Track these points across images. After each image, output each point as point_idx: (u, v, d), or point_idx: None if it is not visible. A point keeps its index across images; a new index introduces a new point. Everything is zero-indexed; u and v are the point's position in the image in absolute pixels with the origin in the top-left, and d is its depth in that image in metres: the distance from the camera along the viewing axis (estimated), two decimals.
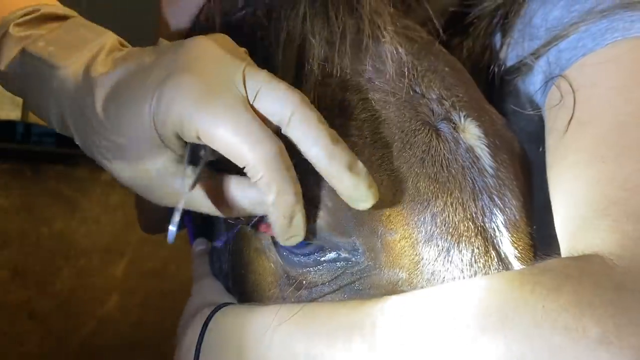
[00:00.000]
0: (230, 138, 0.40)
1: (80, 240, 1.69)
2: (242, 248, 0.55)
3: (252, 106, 0.42)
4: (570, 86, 0.55)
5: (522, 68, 0.64)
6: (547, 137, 0.57)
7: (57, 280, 1.66)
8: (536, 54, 0.62)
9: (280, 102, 0.42)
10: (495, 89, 0.69)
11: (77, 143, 0.50)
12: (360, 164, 0.42)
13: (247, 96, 0.42)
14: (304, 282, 0.49)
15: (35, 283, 1.62)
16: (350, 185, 0.42)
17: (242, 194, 0.46)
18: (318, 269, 0.48)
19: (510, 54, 0.67)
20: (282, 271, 0.51)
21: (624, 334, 0.34)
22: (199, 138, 0.41)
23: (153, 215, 0.83)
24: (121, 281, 1.78)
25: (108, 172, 0.50)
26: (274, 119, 0.42)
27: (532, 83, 0.64)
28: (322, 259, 0.48)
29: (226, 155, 0.41)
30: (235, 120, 0.40)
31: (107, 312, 1.75)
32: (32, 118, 1.53)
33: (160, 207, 0.49)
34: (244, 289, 0.56)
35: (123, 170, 0.47)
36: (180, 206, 0.44)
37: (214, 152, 0.43)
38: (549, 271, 0.39)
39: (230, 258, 0.59)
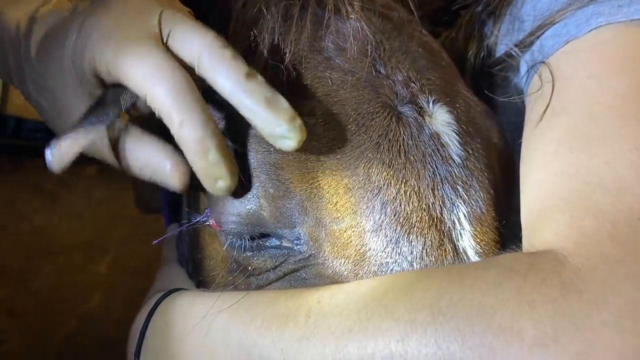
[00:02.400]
0: (132, 69, 0.40)
1: (62, 236, 1.65)
2: (199, 232, 0.55)
3: (167, 47, 0.41)
4: (551, 74, 0.52)
5: (507, 59, 0.62)
6: (525, 125, 0.54)
7: (38, 277, 1.62)
8: (522, 45, 0.59)
9: (191, 41, 0.41)
10: (482, 80, 0.66)
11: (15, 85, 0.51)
12: (281, 99, 0.40)
13: (162, 36, 0.42)
14: (250, 267, 0.47)
15: (15, 280, 1.58)
16: (268, 119, 0.40)
17: (137, 150, 0.45)
18: (261, 254, 0.47)
19: (499, 45, 0.65)
20: (230, 256, 0.49)
21: (562, 338, 0.30)
22: (109, 73, 0.41)
23: (146, 195, 0.89)
24: (104, 279, 1.74)
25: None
26: (187, 60, 0.41)
27: (519, 73, 0.61)
28: (265, 244, 0.46)
29: (132, 89, 0.41)
30: (139, 51, 0.40)
31: (90, 310, 1.71)
32: (11, 110, 1.49)
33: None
34: (201, 275, 0.56)
35: (50, 110, 0.48)
36: (77, 136, 0.42)
37: (130, 96, 0.43)
38: (495, 266, 0.36)
39: (189, 242, 0.59)
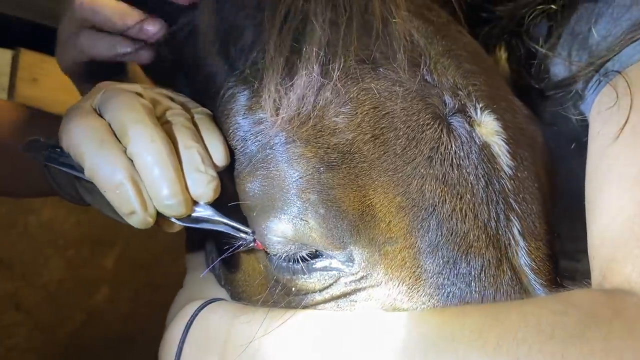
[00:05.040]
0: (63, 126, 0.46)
1: (69, 230, 1.63)
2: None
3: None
4: (629, 87, 0.47)
5: (577, 78, 0.56)
6: (592, 141, 0.50)
7: (45, 271, 1.61)
8: (595, 66, 0.52)
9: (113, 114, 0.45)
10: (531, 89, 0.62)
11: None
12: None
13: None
14: (294, 288, 0.45)
15: (22, 274, 1.57)
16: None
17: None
18: (308, 277, 0.44)
19: (557, 63, 0.60)
20: (271, 275, 0.47)
21: None
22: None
23: None
24: (111, 273, 1.73)
25: None
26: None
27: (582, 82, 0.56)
28: (313, 266, 0.44)
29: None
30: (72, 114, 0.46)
31: (97, 305, 1.70)
32: (18, 100, 1.47)
33: None
34: (234, 288, 0.54)
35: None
36: None
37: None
38: (574, 309, 0.34)
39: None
